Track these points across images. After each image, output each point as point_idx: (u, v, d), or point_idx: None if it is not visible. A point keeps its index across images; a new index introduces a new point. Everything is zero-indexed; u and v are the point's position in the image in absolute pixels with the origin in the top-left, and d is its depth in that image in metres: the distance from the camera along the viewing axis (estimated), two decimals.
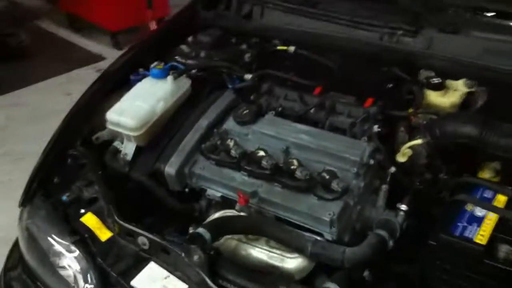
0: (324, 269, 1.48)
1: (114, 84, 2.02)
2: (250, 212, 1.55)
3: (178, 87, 1.93)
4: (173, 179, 1.67)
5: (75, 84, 4.20)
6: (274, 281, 1.40)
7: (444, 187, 1.59)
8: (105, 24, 5.30)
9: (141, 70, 2.03)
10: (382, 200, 1.56)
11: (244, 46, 2.15)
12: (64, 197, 1.64)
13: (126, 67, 2.09)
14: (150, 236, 1.42)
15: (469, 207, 1.40)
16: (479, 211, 1.38)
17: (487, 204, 1.39)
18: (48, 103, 4.32)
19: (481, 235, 1.30)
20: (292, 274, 1.46)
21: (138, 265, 1.42)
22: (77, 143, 1.80)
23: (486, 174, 1.60)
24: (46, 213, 1.61)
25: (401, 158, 1.61)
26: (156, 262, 1.41)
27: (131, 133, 1.78)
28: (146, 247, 1.43)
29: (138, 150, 1.81)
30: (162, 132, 1.83)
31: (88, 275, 1.45)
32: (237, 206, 1.55)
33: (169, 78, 1.91)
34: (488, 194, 1.44)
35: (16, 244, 1.69)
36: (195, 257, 1.36)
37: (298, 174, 1.54)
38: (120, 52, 2.40)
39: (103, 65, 4.60)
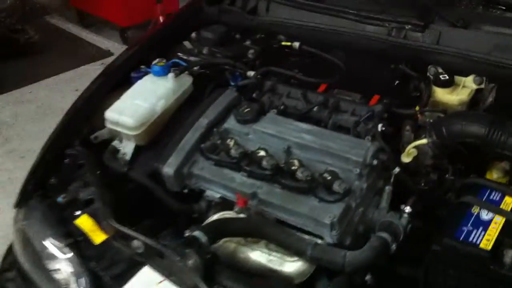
0: (325, 272, 1.43)
1: (115, 81, 1.98)
2: (249, 214, 1.51)
3: (180, 85, 1.89)
4: (171, 179, 1.63)
5: (83, 80, 4.14)
6: (272, 287, 1.35)
7: (450, 188, 1.54)
8: (115, 19, 5.28)
9: (142, 67, 2.00)
10: (385, 202, 1.51)
11: (248, 42, 2.11)
12: (60, 199, 1.61)
13: (128, 64, 2.05)
14: (144, 239, 1.38)
15: (475, 209, 1.35)
16: (485, 214, 1.33)
17: (494, 207, 1.34)
18: (55, 99, 4.32)
19: (487, 239, 1.25)
20: (292, 278, 1.42)
21: (132, 269, 1.38)
22: (75, 142, 1.76)
23: (494, 175, 1.54)
24: (41, 215, 1.59)
25: (405, 158, 1.56)
26: (150, 266, 1.37)
27: (130, 132, 1.76)
28: (140, 251, 1.40)
29: (138, 150, 1.78)
30: (162, 131, 1.80)
31: (81, 279, 1.42)
32: (236, 208, 1.51)
33: (170, 75, 1.87)
34: (495, 196, 1.39)
35: (12, 245, 1.66)
36: (190, 262, 1.32)
37: (299, 175, 1.49)
38: None
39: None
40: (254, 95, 1.84)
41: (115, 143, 1.81)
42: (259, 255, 1.47)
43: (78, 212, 1.56)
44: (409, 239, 1.43)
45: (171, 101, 1.85)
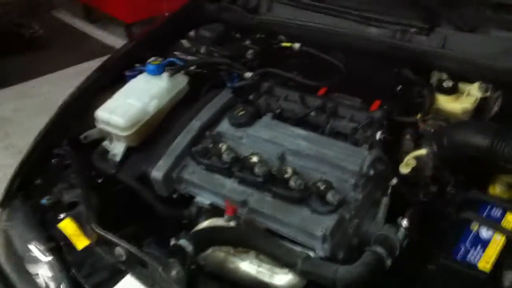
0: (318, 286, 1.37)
1: (109, 79, 1.92)
2: (238, 223, 1.45)
3: (174, 84, 1.83)
4: (160, 184, 1.58)
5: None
6: None
7: (450, 202, 1.46)
8: (120, 15, 5.23)
9: (137, 65, 1.94)
10: (382, 214, 1.44)
11: (247, 42, 2.04)
12: (44, 200, 1.56)
13: (123, 62, 2.00)
14: (127, 247, 1.32)
15: (474, 226, 1.27)
16: (485, 232, 1.26)
17: (494, 224, 1.26)
18: (58, 95, 4.20)
19: (486, 260, 1.18)
20: None
21: (114, 277, 1.33)
22: (64, 142, 1.71)
23: (497, 188, 1.47)
24: (24, 217, 1.53)
25: (404, 169, 1.49)
26: (133, 275, 1.31)
27: (121, 133, 1.70)
28: (123, 259, 1.34)
29: (129, 151, 1.72)
30: (155, 133, 1.74)
31: (61, 286, 1.36)
32: (225, 216, 1.45)
33: (165, 75, 1.82)
34: (496, 212, 1.31)
35: None
36: (173, 272, 1.25)
37: (291, 183, 1.43)
38: None
39: None
40: (250, 97, 1.77)
41: (105, 143, 1.76)
42: (248, 266, 1.41)
43: (62, 215, 1.50)
44: (406, 254, 1.36)
45: (165, 101, 1.79)
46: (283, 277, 1.37)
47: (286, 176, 1.44)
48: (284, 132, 1.58)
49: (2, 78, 4.59)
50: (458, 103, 1.62)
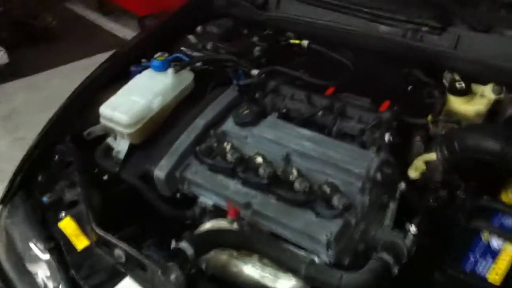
0: None
1: (114, 75, 1.89)
2: (241, 225, 1.41)
3: (179, 81, 1.80)
4: (162, 183, 1.55)
5: None
6: None
7: (460, 208, 1.42)
8: (133, 7, 5.20)
9: (143, 61, 1.91)
10: (389, 219, 1.40)
11: (255, 39, 2.00)
12: (45, 198, 1.53)
13: (129, 57, 1.97)
14: (127, 248, 1.29)
15: (485, 236, 1.23)
16: (496, 242, 1.21)
17: (506, 234, 1.21)
18: (68, 87, 4.22)
19: (496, 272, 1.13)
20: None
21: (113, 279, 1.31)
22: (67, 138, 1.68)
23: (510, 194, 1.41)
24: (24, 215, 1.51)
25: (413, 173, 1.44)
26: (132, 277, 1.28)
27: (124, 130, 1.67)
28: (122, 261, 1.31)
29: (132, 149, 1.69)
30: (159, 130, 1.71)
31: (60, 287, 1.34)
32: (228, 218, 1.41)
33: (170, 71, 1.78)
34: (509, 221, 1.26)
35: None
36: (172, 277, 1.22)
37: (296, 185, 1.39)
38: None
39: None
40: (256, 95, 1.73)
41: (109, 140, 1.73)
42: (251, 270, 1.37)
43: (62, 214, 1.48)
44: (413, 262, 1.32)
45: (169, 98, 1.75)
46: (287, 282, 1.33)
47: (291, 178, 1.41)
48: (289, 133, 1.54)
49: (14, 69, 4.59)
50: (471, 105, 1.57)
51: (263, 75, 1.76)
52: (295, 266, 1.29)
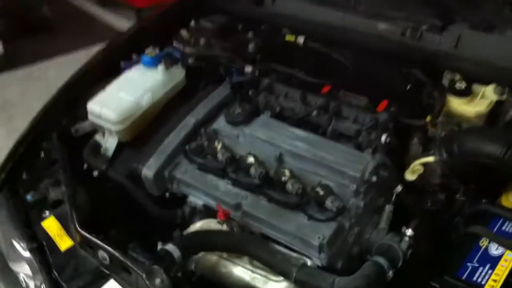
0: None
1: (105, 69, 1.84)
2: (231, 227, 1.36)
3: (170, 77, 1.74)
4: (151, 182, 1.50)
5: None
6: None
7: (459, 211, 1.37)
8: (131, 0, 5.13)
9: (134, 56, 1.85)
10: (385, 222, 1.35)
11: (250, 35, 1.94)
12: (29, 197, 1.48)
13: (120, 51, 1.91)
14: (111, 250, 1.24)
15: (484, 242, 1.18)
16: (494, 249, 1.16)
17: (505, 241, 1.16)
18: (64, 79, 4.18)
19: (494, 280, 1.08)
20: None
21: (96, 282, 1.26)
22: (53, 135, 1.63)
23: (510, 198, 1.37)
24: (8, 213, 1.46)
25: (410, 175, 1.39)
26: (116, 280, 1.23)
27: (113, 127, 1.62)
28: (106, 263, 1.26)
29: (121, 146, 1.64)
30: (148, 128, 1.65)
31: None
32: (217, 220, 1.36)
33: (160, 67, 1.72)
34: (509, 227, 1.21)
35: None
36: (157, 281, 1.17)
37: (289, 187, 1.35)
38: None
39: None
40: (249, 93, 1.68)
41: (97, 137, 1.68)
42: (241, 272, 1.34)
43: (46, 213, 1.43)
44: (409, 266, 1.27)
45: (159, 95, 1.70)
46: (277, 284, 1.29)
47: (283, 179, 1.36)
48: (282, 133, 1.50)
49: (10, 60, 4.52)
50: (472, 106, 1.52)
51: (257, 72, 1.71)
52: (286, 270, 1.25)
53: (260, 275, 1.31)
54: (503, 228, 1.22)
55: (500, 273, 1.10)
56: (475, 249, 1.16)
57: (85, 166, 1.63)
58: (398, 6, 1.77)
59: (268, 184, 1.38)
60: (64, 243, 1.35)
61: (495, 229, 1.22)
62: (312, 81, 1.69)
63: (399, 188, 1.36)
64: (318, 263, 1.28)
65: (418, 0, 1.79)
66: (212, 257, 1.35)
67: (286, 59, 1.81)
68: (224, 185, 1.43)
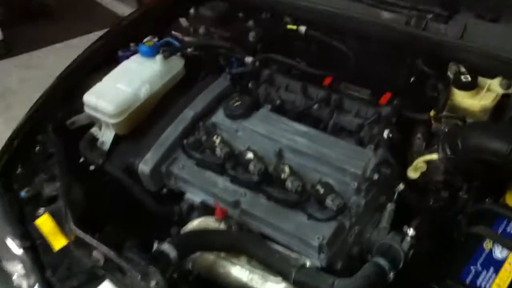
0: None
1: (102, 59, 1.80)
2: (229, 225, 1.34)
3: (169, 68, 1.70)
4: (147, 178, 1.47)
5: None
6: None
7: (462, 209, 1.33)
8: None
9: (132, 45, 1.81)
10: (386, 221, 1.32)
11: (250, 23, 1.89)
12: (23, 193, 1.45)
13: (118, 40, 1.87)
14: (106, 251, 1.22)
15: (488, 244, 1.14)
16: (499, 251, 1.13)
17: (510, 243, 1.13)
18: (64, 66, 4.14)
19: (498, 284, 1.05)
20: None
21: (90, 282, 1.23)
22: (49, 128, 1.59)
23: None
24: (1, 210, 1.43)
25: (412, 173, 1.36)
26: (111, 281, 1.21)
27: (109, 120, 1.58)
28: (100, 263, 1.24)
29: (118, 140, 1.61)
30: (146, 120, 1.62)
31: None
32: (215, 218, 1.33)
33: (159, 57, 1.68)
34: None
35: None
36: (153, 283, 1.15)
37: (288, 184, 1.31)
38: None
39: None
40: (249, 85, 1.64)
41: (94, 130, 1.64)
42: (240, 272, 1.31)
43: (40, 210, 1.40)
44: (411, 267, 1.24)
45: (158, 86, 1.66)
46: (276, 285, 1.26)
47: (283, 176, 1.33)
48: (282, 127, 1.46)
49: (9, 47, 4.48)
50: (477, 99, 1.47)
51: (257, 63, 1.67)
52: (285, 270, 1.23)
53: (258, 275, 1.28)
54: (508, 229, 1.18)
55: (504, 277, 1.07)
56: (479, 251, 1.14)
57: (82, 159, 1.60)
58: None
59: (267, 181, 1.35)
60: (57, 242, 1.32)
61: (500, 230, 1.18)
62: (314, 72, 1.65)
63: (401, 186, 1.32)
64: (318, 263, 1.26)
65: None
66: (210, 257, 1.32)
67: (287, 48, 1.76)
68: (222, 182, 1.40)
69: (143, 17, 2.02)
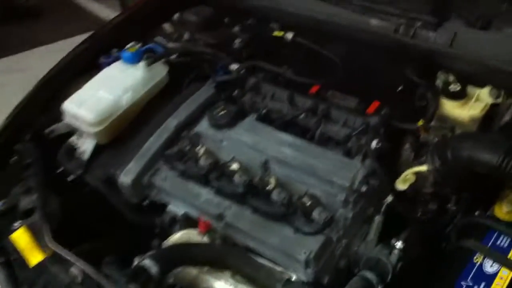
0: None
1: (83, 65, 1.75)
2: (213, 239, 1.29)
3: (152, 75, 1.66)
4: (128, 189, 1.42)
5: None
6: None
7: (451, 223, 1.31)
8: None
9: (115, 51, 1.76)
10: (374, 234, 1.28)
11: (236, 29, 1.85)
12: None
13: (100, 46, 1.82)
14: (84, 266, 1.17)
15: (478, 258, 1.11)
16: (490, 266, 1.09)
17: (500, 257, 1.10)
18: (46, 70, 4.07)
19: None
20: None
21: None
22: (27, 137, 1.54)
23: (504, 208, 1.30)
24: None
25: (401, 185, 1.32)
26: None
27: (90, 129, 1.54)
28: (78, 280, 1.19)
29: (98, 149, 1.56)
30: (128, 129, 1.57)
31: None
32: (198, 232, 1.29)
33: (142, 64, 1.64)
34: (504, 242, 1.15)
35: None
36: None
37: (274, 196, 1.28)
38: None
39: None
40: (235, 93, 1.59)
41: (73, 139, 1.60)
42: (223, 286, 1.26)
43: (16, 223, 1.34)
44: (399, 281, 1.21)
45: (140, 94, 1.62)
46: None
47: (268, 187, 1.29)
48: (268, 138, 1.42)
49: None
50: (466, 109, 1.45)
51: (243, 70, 1.63)
52: (270, 285, 1.19)
53: None
54: (498, 242, 1.16)
55: None
56: (469, 266, 1.10)
57: (60, 170, 1.55)
58: (392, 1, 1.69)
59: (252, 193, 1.31)
60: (33, 257, 1.27)
61: (490, 243, 1.15)
62: (301, 80, 1.61)
63: (389, 198, 1.29)
64: (304, 278, 1.22)
65: None
66: (192, 271, 1.28)
67: (274, 55, 1.73)
68: (206, 194, 1.36)
69: (127, 21, 1.97)
